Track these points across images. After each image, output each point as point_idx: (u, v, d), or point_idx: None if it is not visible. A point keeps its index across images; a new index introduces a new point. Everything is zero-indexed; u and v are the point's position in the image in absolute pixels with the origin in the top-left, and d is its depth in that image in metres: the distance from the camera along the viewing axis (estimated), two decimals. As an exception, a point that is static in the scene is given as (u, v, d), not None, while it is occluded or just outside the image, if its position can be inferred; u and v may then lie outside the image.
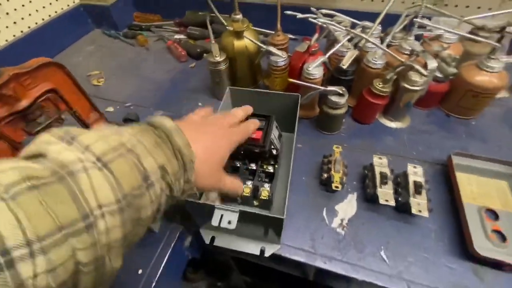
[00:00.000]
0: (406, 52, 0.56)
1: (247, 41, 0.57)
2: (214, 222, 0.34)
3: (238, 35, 0.57)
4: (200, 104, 0.67)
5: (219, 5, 0.58)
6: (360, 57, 0.56)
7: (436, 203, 0.46)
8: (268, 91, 0.49)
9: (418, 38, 0.60)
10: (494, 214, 0.44)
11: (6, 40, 0.74)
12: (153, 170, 0.22)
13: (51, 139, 0.20)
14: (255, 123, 0.39)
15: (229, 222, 0.33)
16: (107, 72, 0.77)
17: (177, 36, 0.86)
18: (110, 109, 0.66)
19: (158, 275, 0.40)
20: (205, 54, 0.80)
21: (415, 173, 0.45)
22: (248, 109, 0.40)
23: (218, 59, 0.57)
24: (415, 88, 0.51)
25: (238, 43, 0.58)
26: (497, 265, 0.38)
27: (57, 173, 0.17)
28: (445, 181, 0.49)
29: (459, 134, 0.57)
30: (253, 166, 0.44)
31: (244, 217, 0.34)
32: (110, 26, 0.92)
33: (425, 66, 0.50)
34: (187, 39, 0.85)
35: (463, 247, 0.40)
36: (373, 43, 0.52)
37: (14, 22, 0.75)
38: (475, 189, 0.47)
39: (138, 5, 0.97)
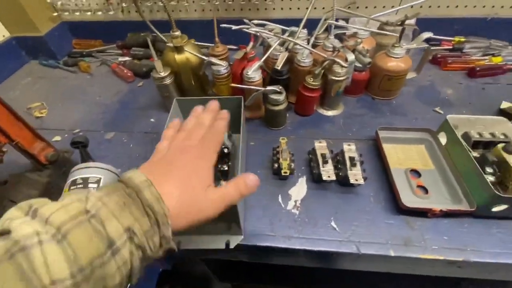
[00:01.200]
0: (329, 49, 0.64)
1: (188, 54, 0.61)
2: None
3: (179, 49, 0.61)
4: (152, 120, 0.68)
5: (158, 24, 0.62)
6: (291, 58, 0.63)
7: (371, 172, 0.53)
8: (213, 97, 0.53)
9: (340, 36, 0.69)
10: (417, 173, 0.53)
11: None
12: (118, 234, 0.21)
13: (15, 214, 0.20)
14: (223, 118, 0.36)
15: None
16: (50, 102, 0.75)
17: (121, 59, 0.87)
18: (58, 138, 0.64)
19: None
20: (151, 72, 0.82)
21: (350, 150, 0.52)
22: (213, 106, 0.38)
23: (163, 74, 0.60)
24: (339, 78, 0.59)
25: (179, 57, 0.61)
26: (422, 213, 0.46)
27: (9, 250, 0.17)
28: (377, 153, 0.57)
29: (384, 112, 0.66)
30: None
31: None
32: (48, 56, 0.90)
33: (346, 59, 0.59)
34: (132, 59, 0.86)
35: (396, 204, 0.48)
36: (300, 45, 0.60)
37: None
38: (401, 155, 0.56)
39: (76, 33, 0.96)
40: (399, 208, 0.47)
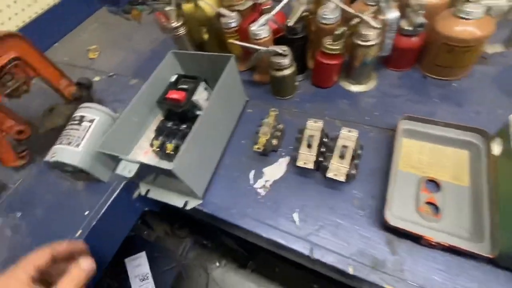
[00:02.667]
0: (371, 3, 0.49)
1: (201, 3, 0.57)
2: (118, 170, 0.38)
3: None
4: (171, 72, 0.70)
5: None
6: (313, 12, 0.51)
7: (371, 170, 0.42)
8: (202, 52, 0.50)
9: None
10: (435, 186, 0.39)
11: (23, 21, 0.87)
12: None
13: None
14: (85, 268, 0.31)
15: (129, 171, 0.37)
16: (103, 46, 0.85)
17: (167, 8, 0.88)
18: (97, 78, 0.74)
19: (100, 215, 0.47)
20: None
21: (348, 138, 0.41)
22: (75, 245, 0.34)
23: (174, 24, 0.59)
24: (366, 43, 0.45)
25: (187, 6, 0.58)
26: (415, 238, 0.35)
27: None
28: (390, 148, 0.44)
29: (431, 97, 0.49)
30: (184, 127, 0.47)
31: (144, 169, 0.38)
32: (112, 3, 0.99)
33: (375, 18, 0.44)
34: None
35: (382, 217, 0.37)
36: (325, -5, 0.47)
37: (28, 5, 0.86)
38: (425, 158, 0.42)
39: (138, -20, 1.01)
40: (384, 223, 0.37)
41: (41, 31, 0.88)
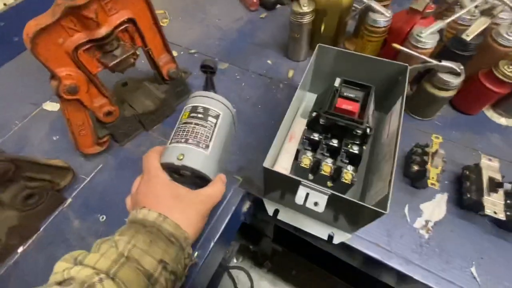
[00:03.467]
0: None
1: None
2: (299, 200, 0.29)
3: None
4: (269, 61, 0.60)
5: None
6: (488, 29, 0.44)
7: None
8: (370, 56, 0.41)
9: None
10: None
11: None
12: (153, 267, 0.26)
13: (64, 265, 0.25)
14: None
15: (316, 204, 0.29)
16: (172, 12, 0.72)
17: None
18: (174, 53, 0.61)
19: (216, 239, 0.38)
20: (278, 5, 0.70)
21: (535, 186, 0.36)
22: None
23: (306, 9, 0.49)
24: (560, 79, 0.39)
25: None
26: None
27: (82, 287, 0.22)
28: None
29: None
30: (335, 143, 0.38)
31: (332, 201, 0.29)
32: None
33: None
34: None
35: None
36: (516, 12, 0.40)
37: None
38: None
39: None
40: None
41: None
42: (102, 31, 0.34)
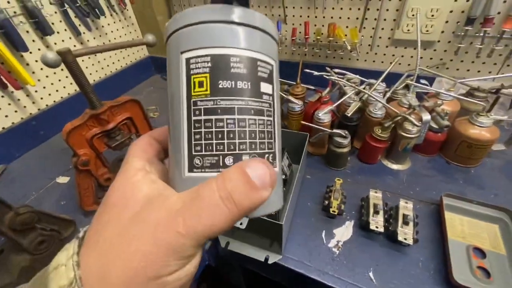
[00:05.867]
0: (405, 106, 0.66)
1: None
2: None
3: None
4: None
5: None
6: (364, 107, 0.67)
7: (427, 237, 0.51)
8: (283, 129, 0.62)
9: (420, 95, 0.70)
10: (482, 253, 0.48)
11: (95, 79, 1.00)
12: None
13: None
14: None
15: (241, 223, 0.44)
16: (162, 108, 0.97)
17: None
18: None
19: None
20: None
21: (406, 208, 0.51)
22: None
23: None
24: (409, 135, 0.60)
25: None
26: (479, 298, 0.42)
27: None
28: (437, 220, 0.54)
29: (457, 179, 0.62)
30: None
31: (252, 222, 0.44)
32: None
33: (420, 118, 0.60)
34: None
35: (447, 279, 0.45)
36: (374, 98, 0.64)
37: (102, 68, 1.01)
38: (466, 229, 0.52)
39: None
40: (449, 284, 0.44)
41: (108, 87, 1.01)
42: (110, 126, 0.55)
